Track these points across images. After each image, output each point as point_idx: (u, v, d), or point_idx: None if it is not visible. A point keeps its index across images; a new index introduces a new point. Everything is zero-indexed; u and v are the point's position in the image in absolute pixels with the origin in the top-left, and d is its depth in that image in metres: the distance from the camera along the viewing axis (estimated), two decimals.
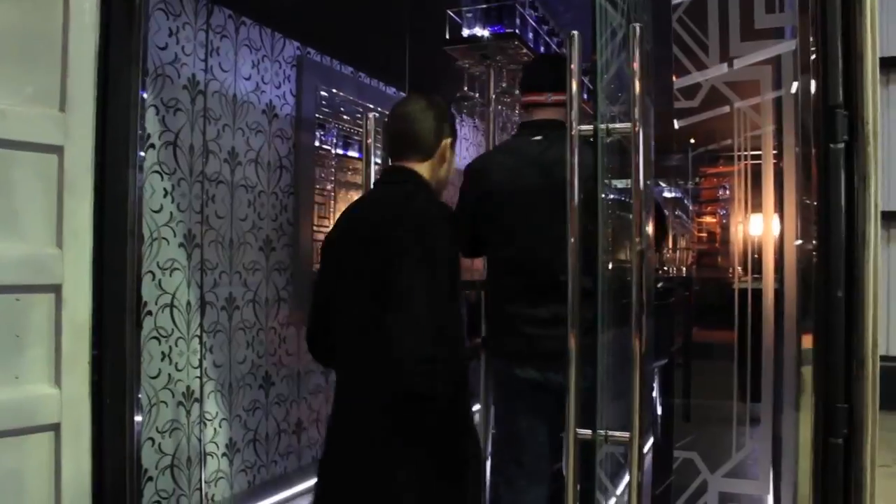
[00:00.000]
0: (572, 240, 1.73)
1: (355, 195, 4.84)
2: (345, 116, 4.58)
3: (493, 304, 2.76)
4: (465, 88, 3.44)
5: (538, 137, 2.64)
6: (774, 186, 2.13)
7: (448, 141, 2.33)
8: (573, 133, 1.77)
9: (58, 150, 2.58)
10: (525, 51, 3.28)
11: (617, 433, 1.73)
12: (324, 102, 4.34)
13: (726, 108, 2.28)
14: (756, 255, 2.13)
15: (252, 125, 3.79)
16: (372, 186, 2.80)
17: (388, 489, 2.03)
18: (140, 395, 3.01)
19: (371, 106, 4.83)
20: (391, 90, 5.17)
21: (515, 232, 2.59)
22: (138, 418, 2.57)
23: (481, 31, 3.25)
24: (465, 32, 3.27)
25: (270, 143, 3.92)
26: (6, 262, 2.16)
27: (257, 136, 3.83)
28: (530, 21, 3.44)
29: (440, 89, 5.09)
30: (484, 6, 3.25)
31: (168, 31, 3.27)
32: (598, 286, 1.79)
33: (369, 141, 2.70)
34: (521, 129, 2.80)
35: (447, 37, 3.27)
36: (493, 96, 3.29)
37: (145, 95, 3.02)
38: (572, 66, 1.81)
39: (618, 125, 1.77)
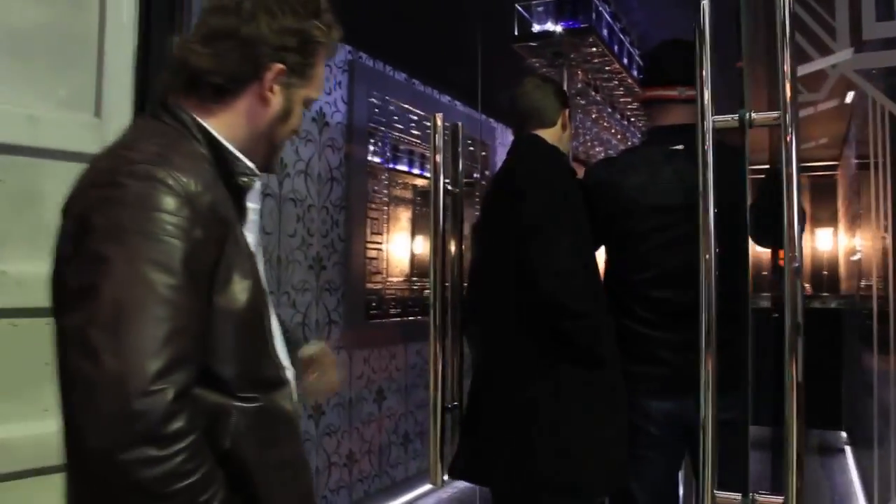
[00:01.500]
0: (707, 256, 1.41)
1: (407, 211, 4.58)
2: (398, 126, 4.31)
3: (623, 327, 2.31)
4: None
5: (678, 147, 2.27)
6: None
7: (567, 111, 2.49)
8: (706, 125, 1.45)
9: (97, 126, 2.36)
10: (601, 48, 2.97)
11: (769, 497, 1.39)
12: (376, 111, 4.07)
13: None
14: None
15: (301, 134, 3.52)
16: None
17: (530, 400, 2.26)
18: None
19: (423, 114, 4.55)
20: (445, 98, 4.90)
21: (660, 255, 2.25)
22: None
23: (553, 27, 2.94)
24: (536, 28, 2.96)
25: (321, 153, 3.64)
26: (35, 283, 1.90)
27: (307, 146, 3.56)
28: (605, 16, 3.14)
29: (506, 93, 4.86)
30: None
31: None
32: (747, 306, 1.47)
33: (438, 144, 2.34)
34: (653, 134, 2.41)
35: (515, 33, 2.96)
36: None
37: None
38: (704, 39, 1.47)
39: (763, 113, 1.44)
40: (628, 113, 3.64)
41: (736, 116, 1.50)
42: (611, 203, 2.30)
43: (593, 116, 3.43)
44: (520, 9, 2.97)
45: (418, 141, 4.59)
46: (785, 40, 1.39)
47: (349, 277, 3.82)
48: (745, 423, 1.47)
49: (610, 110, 3.47)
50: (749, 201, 1.58)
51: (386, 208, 4.24)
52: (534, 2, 2.99)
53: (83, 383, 1.05)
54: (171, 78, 1.31)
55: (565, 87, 2.99)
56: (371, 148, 4.07)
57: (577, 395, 2.25)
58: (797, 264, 1.34)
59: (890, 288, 1.88)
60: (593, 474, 2.26)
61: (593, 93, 3.26)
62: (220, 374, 1.18)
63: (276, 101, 1.33)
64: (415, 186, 4.69)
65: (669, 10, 3.84)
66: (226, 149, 1.29)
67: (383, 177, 4.23)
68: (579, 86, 3.14)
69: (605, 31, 3.13)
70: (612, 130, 3.66)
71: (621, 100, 3.47)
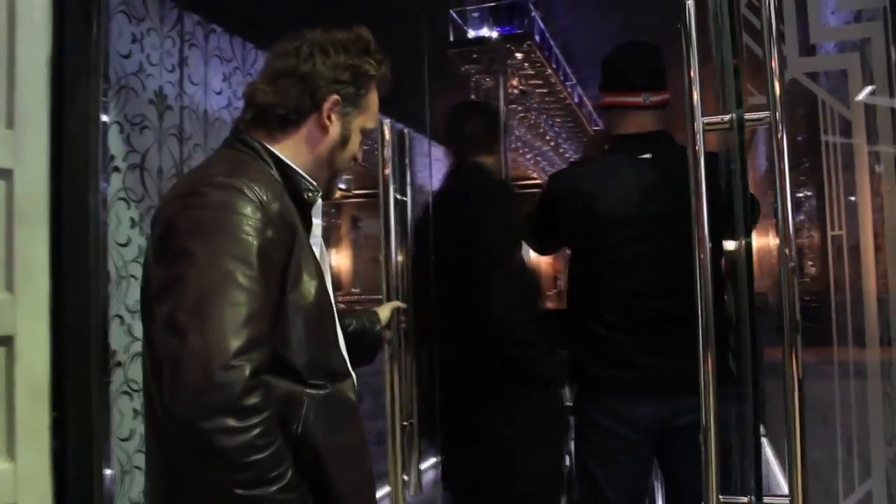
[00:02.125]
0: (702, 256, 1.37)
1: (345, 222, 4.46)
2: None
3: (595, 334, 2.29)
4: (473, 96, 3.07)
5: (647, 156, 2.24)
6: None
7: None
8: (696, 126, 1.40)
9: (6, 174, 2.19)
10: (537, 54, 2.94)
11: (775, 498, 1.35)
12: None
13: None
14: None
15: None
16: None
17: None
18: (110, 462, 2.58)
19: None
20: None
21: (634, 264, 2.22)
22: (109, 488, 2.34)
23: (489, 32, 2.89)
24: (472, 34, 2.90)
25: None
26: None
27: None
28: (538, 22, 3.11)
29: (443, 100, 4.80)
30: (492, 4, 2.89)
31: (131, 37, 2.84)
32: (748, 304, 1.44)
33: (387, 155, 2.30)
34: (618, 142, 2.34)
35: (451, 39, 2.89)
36: (504, 106, 2.92)
37: (105, 118, 2.59)
38: (690, 40, 1.43)
39: (754, 114, 1.41)
40: (559, 120, 3.62)
41: (727, 117, 1.45)
42: (580, 213, 2.26)
43: (529, 124, 3.39)
44: (454, 15, 2.90)
45: None
46: (772, 39, 1.36)
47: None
48: (756, 424, 1.43)
49: (544, 117, 3.43)
50: (745, 200, 1.54)
51: None
52: (468, 7, 2.92)
53: (173, 359, 1.17)
54: (243, 114, 1.52)
55: (500, 94, 2.95)
56: None
57: (529, 417, 2.41)
58: (793, 264, 1.31)
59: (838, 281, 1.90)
60: (546, 489, 2.50)
61: (527, 101, 3.22)
62: (292, 363, 1.32)
63: (334, 128, 1.50)
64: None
65: (593, 19, 3.86)
66: (292, 168, 1.47)
67: None
68: (516, 92, 3.09)
69: (536, 38, 3.10)
70: (546, 137, 3.63)
71: (552, 107, 3.44)
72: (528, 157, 3.72)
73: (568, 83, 3.64)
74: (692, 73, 1.42)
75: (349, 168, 1.62)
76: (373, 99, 1.57)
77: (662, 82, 2.29)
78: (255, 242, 1.25)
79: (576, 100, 3.81)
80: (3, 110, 2.12)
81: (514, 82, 3.08)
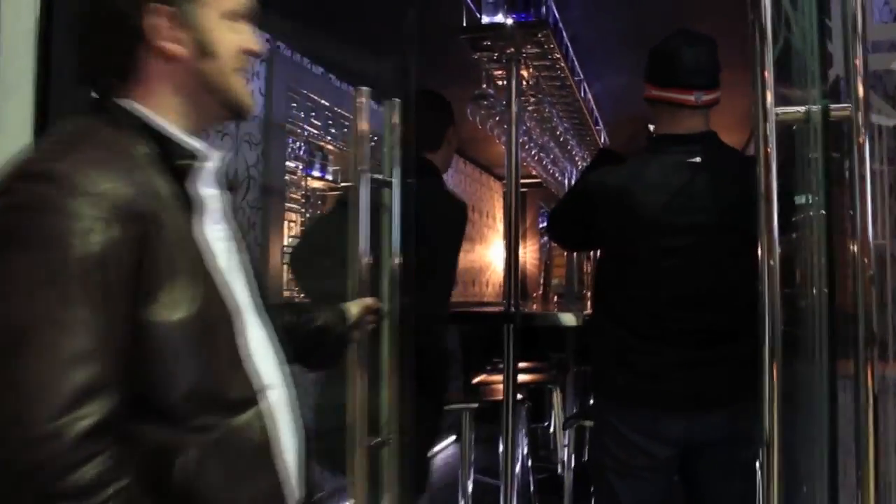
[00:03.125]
0: (771, 262, 1.23)
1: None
2: (316, 122, 4.03)
3: (625, 344, 2.14)
4: (484, 86, 2.93)
5: (696, 160, 2.08)
6: None
7: (452, 128, 2.67)
8: (769, 121, 1.26)
9: None
10: (553, 44, 2.80)
11: None
12: (294, 105, 3.78)
13: None
14: None
15: (217, 127, 3.20)
16: None
17: None
18: None
19: (344, 114, 4.30)
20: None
21: (677, 274, 2.07)
22: None
23: (504, 19, 2.74)
24: (485, 20, 2.76)
25: (238, 149, 3.33)
26: None
27: (223, 140, 3.24)
28: (553, 11, 2.97)
29: (453, 89, 4.66)
30: None
31: None
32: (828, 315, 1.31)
33: (362, 128, 2.01)
34: (664, 142, 2.17)
35: (464, 24, 2.74)
36: (515, 97, 2.78)
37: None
38: (765, 41, 1.28)
39: (838, 105, 1.27)
40: (566, 115, 3.49)
41: (803, 109, 1.31)
42: (623, 215, 2.10)
43: (538, 118, 3.25)
44: (468, 0, 2.76)
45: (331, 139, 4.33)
46: (857, 36, 1.22)
47: (266, 284, 3.50)
48: (833, 444, 1.31)
49: (555, 111, 3.30)
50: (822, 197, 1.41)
51: (305, 210, 3.96)
52: None
53: None
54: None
55: (513, 84, 2.81)
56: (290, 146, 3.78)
57: None
58: (872, 272, 1.19)
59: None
60: None
61: (540, 95, 3.09)
62: (160, 402, 0.99)
63: (180, 44, 1.12)
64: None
65: (604, 11, 3.72)
66: (157, 129, 1.11)
67: (301, 176, 3.95)
68: (530, 82, 2.95)
69: (552, 27, 2.96)
70: (557, 133, 3.50)
71: (561, 101, 3.31)
72: (532, 152, 3.59)
73: (576, 78, 3.51)
74: (766, 73, 1.27)
75: (246, 65, 1.21)
76: None
77: (716, 80, 2.13)
78: (86, 250, 0.91)
79: (581, 95, 3.68)
80: None
81: (525, 73, 2.93)
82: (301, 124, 3.89)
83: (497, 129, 3.06)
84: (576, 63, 3.53)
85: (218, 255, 1.13)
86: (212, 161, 1.16)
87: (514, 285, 2.60)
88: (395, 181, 2.02)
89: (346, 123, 4.37)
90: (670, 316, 2.06)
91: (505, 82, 2.88)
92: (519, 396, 2.88)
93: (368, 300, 1.82)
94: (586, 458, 4.64)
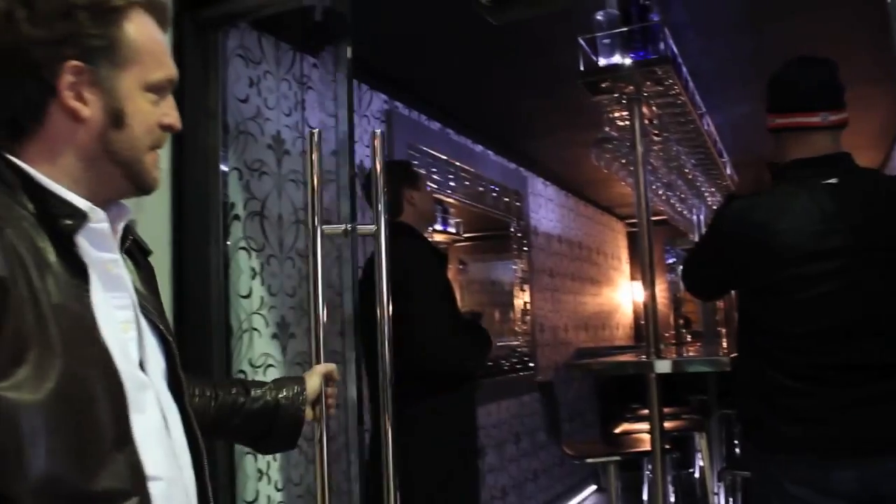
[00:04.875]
0: None
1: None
2: (436, 177, 4.05)
3: (777, 386, 2.00)
4: (606, 129, 2.86)
5: (832, 181, 1.98)
6: None
7: (407, 190, 2.85)
8: None
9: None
10: (673, 80, 2.71)
11: None
12: (415, 163, 3.81)
13: None
14: None
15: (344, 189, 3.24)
16: None
17: None
18: None
19: (463, 167, 4.32)
20: (479, 148, 4.67)
21: (824, 304, 1.94)
22: None
23: (622, 59, 2.68)
24: (603, 62, 2.70)
25: (364, 208, 3.37)
26: None
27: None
28: (671, 46, 2.88)
29: (571, 134, 4.63)
30: (623, 30, 2.69)
31: (248, 81, 2.75)
32: None
33: (315, 171, 1.78)
34: (795, 168, 2.07)
35: (581, 68, 2.69)
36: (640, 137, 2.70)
37: (224, 167, 2.50)
38: None
39: None
40: (691, 150, 3.38)
41: None
42: (758, 249, 1.99)
43: (664, 157, 3.16)
44: (583, 43, 2.71)
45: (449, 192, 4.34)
46: None
47: None
48: None
49: (679, 148, 3.20)
50: None
51: None
52: (598, 35, 2.73)
53: None
54: None
55: (636, 124, 2.73)
56: None
57: None
58: None
59: None
60: None
61: (665, 133, 3.00)
62: (5, 491, 0.87)
63: (93, 107, 1.04)
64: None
65: (723, 37, 3.62)
66: (42, 187, 1.01)
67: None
68: (653, 121, 2.87)
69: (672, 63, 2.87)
70: (685, 170, 3.39)
71: (686, 136, 3.21)
72: (659, 192, 3.49)
73: (698, 111, 3.40)
74: None
75: (162, 141, 1.14)
76: (138, 37, 1.07)
77: (841, 101, 2.04)
78: None
79: (705, 128, 3.56)
80: None
81: (647, 111, 2.85)
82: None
83: (622, 172, 2.99)
84: (696, 96, 3.42)
85: (111, 325, 1.03)
86: (103, 223, 1.06)
87: (655, 331, 2.50)
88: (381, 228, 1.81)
89: (467, 177, 4.38)
90: (823, 350, 1.91)
91: (626, 123, 2.81)
92: (666, 446, 2.75)
93: (327, 366, 1.66)
94: None
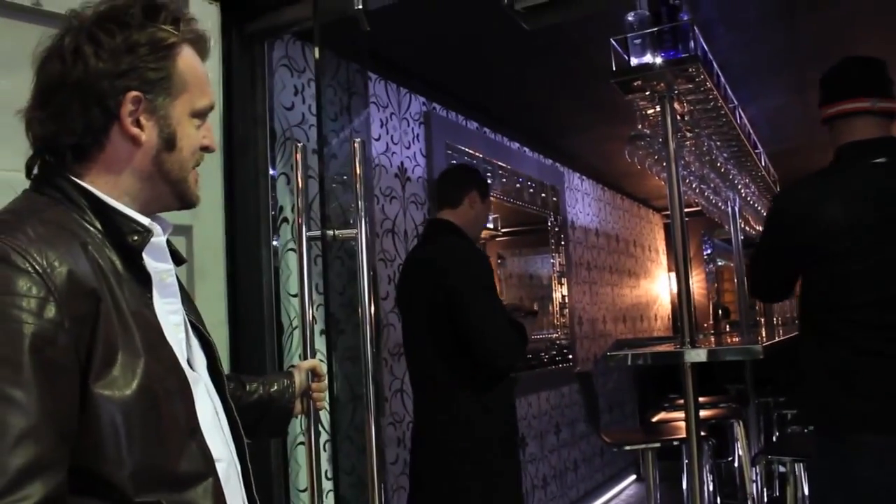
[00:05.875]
0: None
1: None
2: None
3: (840, 361, 2.08)
4: (639, 126, 2.94)
5: (881, 160, 2.11)
6: None
7: (473, 192, 2.83)
8: None
9: (186, 230, 2.21)
10: (704, 77, 2.78)
11: None
12: (453, 162, 3.92)
13: None
14: None
15: (385, 191, 3.37)
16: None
17: None
18: None
19: (500, 164, 4.41)
20: (515, 145, 4.76)
21: (883, 273, 2.03)
22: None
23: (653, 59, 2.75)
24: (634, 62, 2.77)
25: (405, 209, 3.49)
26: None
27: (392, 203, 3.40)
28: (702, 44, 2.95)
29: (604, 132, 4.70)
30: (654, 30, 2.76)
31: (293, 90, 2.88)
32: None
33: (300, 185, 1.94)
34: (848, 150, 2.19)
35: (613, 69, 2.77)
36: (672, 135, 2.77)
37: (273, 172, 2.63)
38: None
39: None
40: (724, 144, 3.44)
41: None
42: (809, 224, 2.10)
43: (697, 152, 3.23)
44: (615, 43, 2.79)
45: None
46: None
47: None
48: None
49: (711, 143, 3.27)
50: None
51: None
52: (629, 35, 2.80)
53: None
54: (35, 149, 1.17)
55: (668, 122, 2.81)
56: None
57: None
58: None
59: None
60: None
61: (697, 129, 3.07)
62: (108, 477, 0.99)
63: (149, 132, 1.16)
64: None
65: (754, 31, 3.67)
66: (109, 206, 1.13)
67: None
68: (685, 117, 2.94)
69: (702, 60, 2.94)
70: (717, 164, 3.46)
71: (718, 131, 3.27)
72: (693, 185, 3.55)
73: (730, 105, 3.46)
74: None
75: (201, 160, 1.26)
76: (187, 70, 1.20)
77: (889, 90, 2.19)
78: (26, 330, 0.92)
79: (738, 121, 3.61)
80: None
81: (679, 107, 2.92)
82: None
83: (656, 167, 3.06)
84: (728, 90, 3.48)
85: (170, 328, 1.15)
86: (161, 236, 1.20)
87: (689, 321, 2.58)
88: (359, 233, 1.92)
89: (504, 174, 4.47)
90: (887, 321, 1.99)
91: (659, 119, 2.88)
92: (702, 433, 2.82)
93: (312, 362, 1.77)
94: (777, 493, 4.46)
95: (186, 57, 1.20)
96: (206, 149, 1.25)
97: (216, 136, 2.32)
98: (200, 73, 1.23)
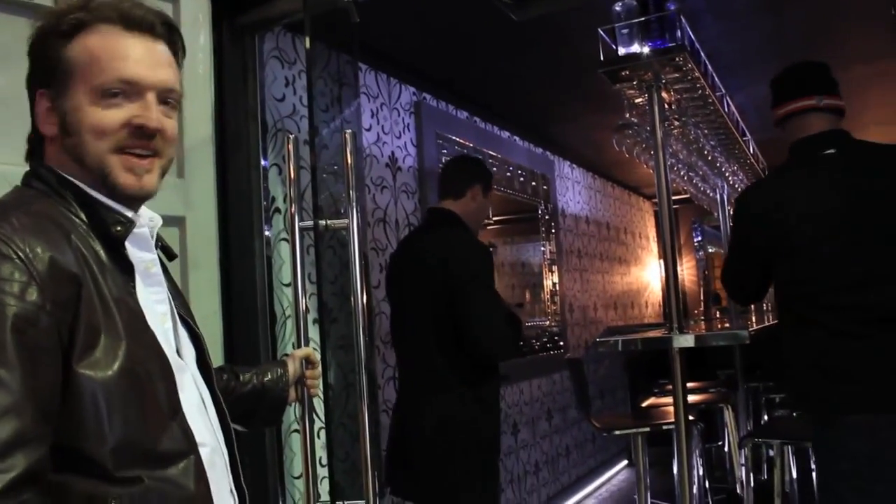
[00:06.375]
0: None
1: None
2: None
3: (815, 342, 2.16)
4: (627, 115, 2.98)
5: (830, 151, 2.23)
6: None
7: (477, 185, 2.83)
8: None
9: (179, 221, 2.23)
10: (691, 66, 2.81)
11: None
12: (444, 152, 3.94)
13: None
14: None
15: (377, 181, 3.39)
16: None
17: None
18: (286, 501, 2.62)
19: (491, 153, 4.44)
20: (505, 134, 4.79)
21: (840, 259, 2.13)
22: None
23: (640, 49, 2.78)
24: (622, 51, 2.80)
25: (397, 199, 3.51)
26: None
27: (383, 193, 3.43)
28: (688, 33, 2.98)
29: (593, 120, 4.73)
30: (641, 20, 2.79)
31: (284, 81, 2.90)
32: None
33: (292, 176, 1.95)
34: (799, 146, 2.34)
35: (601, 58, 2.80)
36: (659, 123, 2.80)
37: (265, 162, 2.65)
38: None
39: None
40: (711, 132, 3.48)
41: None
42: (779, 220, 2.20)
43: (684, 140, 3.26)
44: (602, 33, 2.81)
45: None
46: None
47: None
48: None
49: (698, 131, 3.30)
50: None
51: None
52: (617, 25, 2.83)
53: None
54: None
55: (655, 110, 2.84)
56: None
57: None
58: None
59: None
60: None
61: (684, 117, 3.10)
62: (90, 453, 1.03)
63: (51, 123, 1.18)
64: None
65: (742, 20, 3.70)
66: (92, 198, 1.17)
67: None
68: (672, 106, 2.98)
69: (689, 50, 2.97)
70: (705, 152, 3.50)
71: (705, 119, 3.31)
72: (681, 173, 3.59)
73: (718, 93, 3.49)
74: None
75: (129, 141, 1.17)
76: (83, 52, 1.15)
77: (835, 89, 2.33)
78: (9, 312, 0.96)
79: (725, 109, 3.65)
80: (175, 160, 2.16)
81: (666, 96, 2.95)
82: None
83: (644, 156, 3.10)
84: (716, 79, 3.52)
85: (155, 317, 1.19)
86: (144, 227, 1.22)
87: (677, 307, 2.62)
88: (353, 223, 1.93)
89: (494, 163, 4.50)
90: (858, 302, 2.07)
91: (647, 107, 2.91)
92: (690, 417, 2.87)
93: (305, 351, 1.80)
94: (765, 476, 4.52)
95: (90, 38, 1.16)
96: (136, 128, 1.17)
97: (208, 128, 2.37)
98: (106, 49, 1.16)
